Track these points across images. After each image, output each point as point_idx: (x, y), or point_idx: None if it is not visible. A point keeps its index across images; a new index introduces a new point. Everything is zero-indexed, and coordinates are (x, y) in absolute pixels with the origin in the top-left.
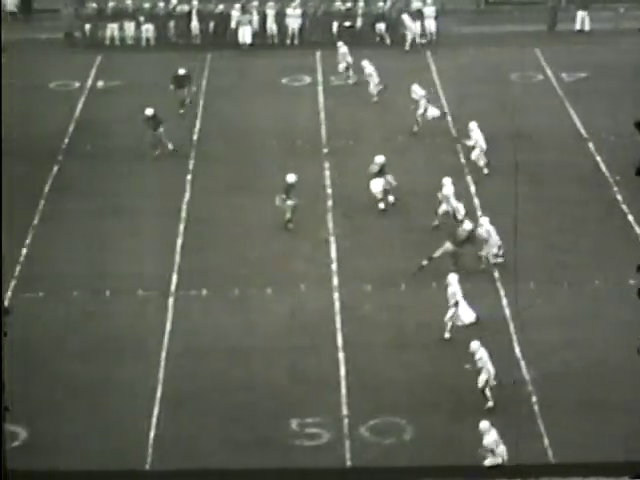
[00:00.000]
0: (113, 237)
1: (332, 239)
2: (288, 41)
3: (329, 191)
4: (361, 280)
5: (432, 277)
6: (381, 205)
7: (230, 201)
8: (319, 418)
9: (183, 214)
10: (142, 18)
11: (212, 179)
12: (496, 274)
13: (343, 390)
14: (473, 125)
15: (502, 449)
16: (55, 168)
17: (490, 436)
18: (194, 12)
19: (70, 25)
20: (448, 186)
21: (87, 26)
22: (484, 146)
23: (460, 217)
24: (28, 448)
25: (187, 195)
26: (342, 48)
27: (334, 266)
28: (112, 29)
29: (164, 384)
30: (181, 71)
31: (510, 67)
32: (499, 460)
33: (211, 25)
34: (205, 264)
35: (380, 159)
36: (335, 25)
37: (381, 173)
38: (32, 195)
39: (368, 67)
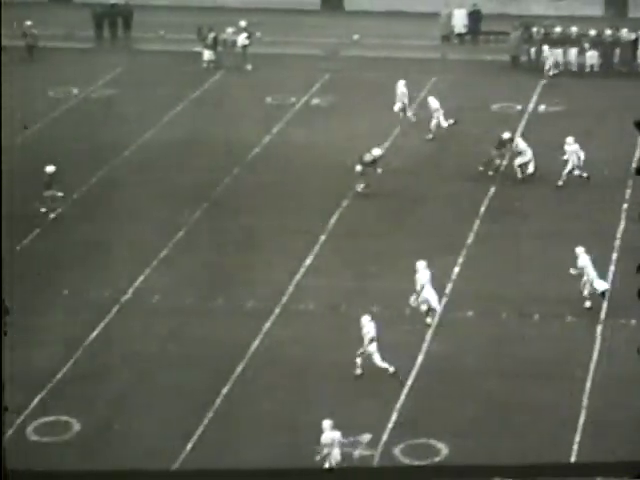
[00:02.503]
0: (545, 261)
1: None
2: None
3: None
4: None
5: None
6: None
7: None
8: None
9: (617, 243)
10: (587, 45)
11: None
12: None
13: None
14: (570, 140)
15: (336, 452)
16: (492, 189)
17: (327, 435)
18: None
19: (516, 48)
20: None
21: (532, 50)
22: (576, 162)
23: None
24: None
25: (622, 224)
26: (401, 88)
27: None
28: (556, 54)
29: (587, 412)
30: (506, 135)
31: None
32: (327, 464)
33: None
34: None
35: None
36: None
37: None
38: (469, 214)
39: (434, 103)
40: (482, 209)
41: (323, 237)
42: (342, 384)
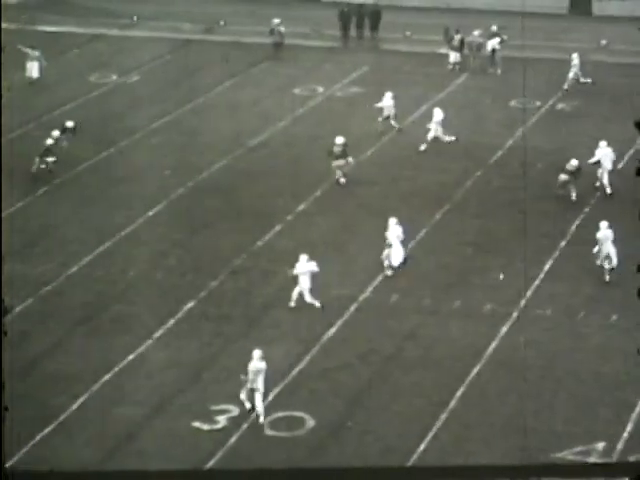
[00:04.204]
0: None
1: None
2: None
3: None
4: None
5: None
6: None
7: None
8: None
9: None
10: None
11: None
12: None
13: None
14: (602, 144)
15: (260, 381)
16: None
17: (254, 364)
18: None
19: None
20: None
21: None
22: (609, 167)
23: None
24: None
25: None
26: (388, 99)
27: None
28: None
29: None
30: None
31: None
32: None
33: None
34: None
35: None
36: None
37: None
38: None
39: (438, 115)
40: None
41: (563, 243)
42: (577, 391)
